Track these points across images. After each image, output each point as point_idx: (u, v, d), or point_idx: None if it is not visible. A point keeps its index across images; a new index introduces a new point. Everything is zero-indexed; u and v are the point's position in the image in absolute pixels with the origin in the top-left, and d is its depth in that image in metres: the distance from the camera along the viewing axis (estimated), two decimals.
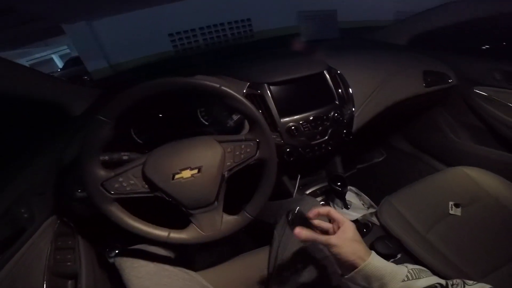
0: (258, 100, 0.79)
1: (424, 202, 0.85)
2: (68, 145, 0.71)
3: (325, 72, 0.87)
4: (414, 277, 0.41)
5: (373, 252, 0.46)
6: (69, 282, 0.71)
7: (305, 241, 0.49)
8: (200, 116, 0.75)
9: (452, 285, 0.40)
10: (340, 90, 0.88)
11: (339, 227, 0.49)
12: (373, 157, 1.51)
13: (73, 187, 0.67)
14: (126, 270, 0.61)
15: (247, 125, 0.75)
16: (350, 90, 0.89)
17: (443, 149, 1.23)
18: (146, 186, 0.53)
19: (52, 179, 0.71)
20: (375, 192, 1.00)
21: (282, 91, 0.80)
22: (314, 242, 0.49)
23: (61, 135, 0.76)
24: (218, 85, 0.52)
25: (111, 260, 0.83)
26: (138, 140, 0.72)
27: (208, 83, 0.52)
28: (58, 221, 0.73)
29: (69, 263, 0.69)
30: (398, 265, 0.44)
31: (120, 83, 0.97)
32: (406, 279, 0.41)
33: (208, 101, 0.75)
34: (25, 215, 0.63)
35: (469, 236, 0.76)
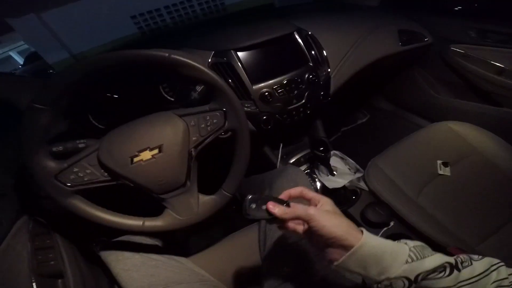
0: (226, 68, 0.73)
1: (411, 161, 0.84)
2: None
3: (295, 33, 0.81)
4: (418, 257, 0.35)
5: (364, 229, 0.38)
6: (59, 281, 0.67)
7: (281, 218, 0.42)
8: (163, 93, 0.69)
9: (461, 262, 0.35)
10: (313, 52, 0.83)
11: (315, 205, 0.43)
12: (357, 118, 1.49)
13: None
14: (112, 263, 0.60)
15: None
16: (324, 52, 0.85)
17: (424, 106, 1.23)
18: (106, 174, 0.48)
19: (11, 179, 0.65)
20: (362, 154, 0.98)
21: (251, 57, 0.74)
22: (291, 218, 0.42)
23: (13, 131, 0.70)
24: (167, 54, 0.45)
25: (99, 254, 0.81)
26: (100, 126, 0.66)
27: (154, 52, 0.45)
28: (31, 221, 0.68)
29: (52, 262, 0.65)
30: (397, 243, 0.37)
31: None
32: (409, 260, 0.34)
33: (169, 75, 0.68)
34: None
35: (460, 198, 0.75)
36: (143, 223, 0.52)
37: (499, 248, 0.66)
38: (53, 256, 0.66)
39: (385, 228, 0.77)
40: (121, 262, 0.59)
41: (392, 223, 0.76)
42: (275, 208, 0.42)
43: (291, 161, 0.96)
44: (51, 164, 0.46)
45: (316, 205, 0.43)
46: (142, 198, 0.55)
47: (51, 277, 0.66)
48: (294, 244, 0.59)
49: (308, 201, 0.45)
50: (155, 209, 0.54)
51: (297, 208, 0.41)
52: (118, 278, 0.57)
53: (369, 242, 0.36)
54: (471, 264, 0.35)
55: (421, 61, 1.18)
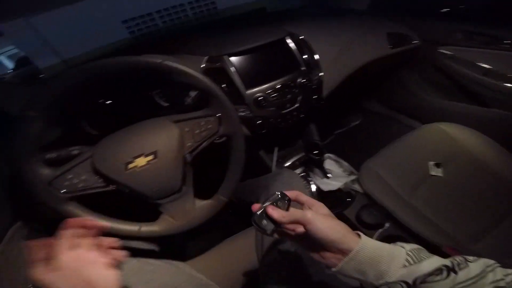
0: (220, 74, 0.73)
1: (403, 163, 0.85)
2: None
3: (286, 38, 0.82)
4: (415, 260, 0.35)
5: (361, 233, 0.38)
6: None
7: (280, 222, 0.40)
8: (156, 99, 0.69)
9: (458, 264, 0.34)
10: (305, 56, 0.84)
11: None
12: (350, 121, 1.51)
13: None
14: None
15: None
16: (316, 56, 0.86)
17: (415, 108, 1.25)
18: (100, 180, 0.48)
19: (2, 186, 0.63)
20: (356, 156, 0.99)
21: (244, 62, 0.75)
22: (289, 222, 0.41)
23: (4, 138, 0.68)
24: (159, 60, 0.46)
25: None
26: (93, 132, 0.65)
27: (147, 59, 0.46)
28: (27, 227, 0.66)
29: None
30: (394, 246, 0.37)
31: None
32: (407, 263, 0.34)
33: (162, 81, 0.68)
34: None
35: (453, 198, 0.76)
36: (140, 228, 0.52)
37: (494, 248, 0.67)
38: None
39: (380, 230, 0.78)
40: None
41: (387, 225, 0.76)
42: (274, 212, 0.41)
43: (286, 164, 0.97)
44: (45, 171, 0.45)
45: (310, 209, 0.42)
46: (138, 204, 0.55)
47: None
48: (291, 248, 0.60)
49: (301, 205, 0.45)
50: (152, 214, 0.53)
51: (295, 212, 0.41)
52: None
53: (367, 246, 0.36)
54: (467, 265, 0.34)
55: (410, 63, 1.20)
